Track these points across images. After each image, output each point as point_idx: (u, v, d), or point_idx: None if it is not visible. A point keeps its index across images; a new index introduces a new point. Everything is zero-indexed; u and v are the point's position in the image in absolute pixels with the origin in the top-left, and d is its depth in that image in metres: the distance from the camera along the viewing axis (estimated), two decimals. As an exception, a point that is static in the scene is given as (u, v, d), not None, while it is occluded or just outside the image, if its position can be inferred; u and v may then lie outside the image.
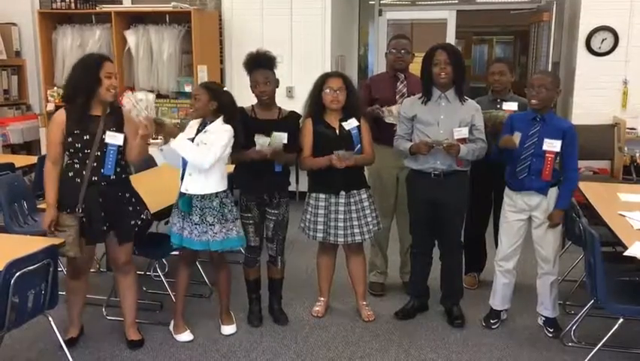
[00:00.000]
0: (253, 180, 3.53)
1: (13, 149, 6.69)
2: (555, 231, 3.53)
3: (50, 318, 3.01)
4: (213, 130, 3.32)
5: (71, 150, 3.15)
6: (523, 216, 3.55)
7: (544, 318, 3.68)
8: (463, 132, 3.53)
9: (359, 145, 3.58)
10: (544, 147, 3.39)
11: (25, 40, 7.01)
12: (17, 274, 2.60)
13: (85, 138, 3.12)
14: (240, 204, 3.60)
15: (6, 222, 4.05)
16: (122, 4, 6.80)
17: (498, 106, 3.99)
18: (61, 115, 3.15)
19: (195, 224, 3.34)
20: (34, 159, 5.27)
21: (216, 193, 3.34)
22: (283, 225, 3.66)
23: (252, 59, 3.54)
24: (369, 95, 4.07)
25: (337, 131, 3.57)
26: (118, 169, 3.21)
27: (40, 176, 5.07)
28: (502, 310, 3.77)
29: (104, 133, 3.15)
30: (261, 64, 3.51)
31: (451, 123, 3.52)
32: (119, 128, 3.21)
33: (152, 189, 3.76)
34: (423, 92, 3.61)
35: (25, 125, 6.81)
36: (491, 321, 3.74)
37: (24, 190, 4.32)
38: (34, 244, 2.91)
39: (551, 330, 3.61)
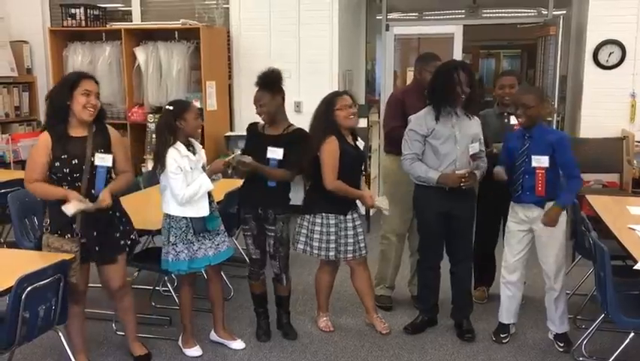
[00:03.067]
0: (247, 194, 3.64)
1: (24, 165, 6.73)
2: (556, 246, 3.50)
3: (60, 333, 3.02)
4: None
5: (59, 175, 3.03)
6: (523, 228, 3.55)
7: (554, 333, 3.66)
8: (476, 147, 3.60)
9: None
10: (533, 164, 3.41)
11: (36, 58, 7.11)
12: (28, 289, 2.62)
13: (73, 162, 3.03)
14: (239, 217, 3.69)
15: (17, 238, 4.08)
16: (131, 21, 6.89)
17: (505, 120, 3.99)
18: (45, 138, 3.03)
19: (217, 234, 3.46)
20: (44, 175, 5.29)
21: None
22: (284, 242, 3.63)
23: (257, 78, 3.56)
24: (401, 108, 3.95)
25: (355, 147, 3.66)
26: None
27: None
28: (510, 324, 3.75)
29: (92, 155, 3.06)
30: (261, 85, 3.53)
31: (465, 139, 3.55)
32: (107, 149, 3.13)
33: (152, 204, 3.76)
34: (434, 107, 3.56)
35: (36, 141, 6.83)
36: (501, 336, 3.71)
37: (35, 205, 4.33)
38: (45, 259, 2.92)
39: (562, 345, 3.58)
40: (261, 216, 3.59)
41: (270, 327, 3.80)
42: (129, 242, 3.29)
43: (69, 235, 3.05)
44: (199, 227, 3.35)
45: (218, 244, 3.45)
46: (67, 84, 3.05)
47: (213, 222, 3.42)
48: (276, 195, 3.56)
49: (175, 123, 3.27)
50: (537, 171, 3.40)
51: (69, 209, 2.96)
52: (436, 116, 3.55)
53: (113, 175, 3.21)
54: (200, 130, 3.42)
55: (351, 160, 3.61)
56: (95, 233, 3.11)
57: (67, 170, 3.02)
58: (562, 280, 3.55)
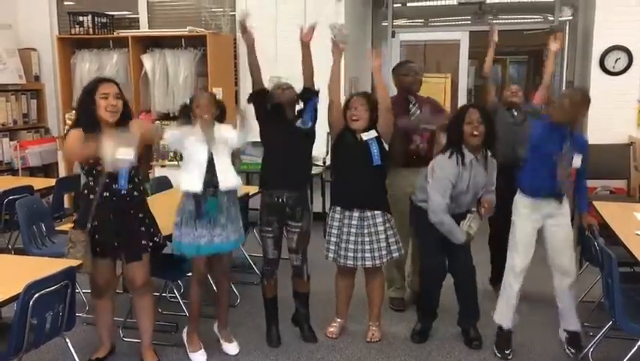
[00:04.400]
0: (276, 202, 3.57)
1: (32, 172, 6.79)
2: (571, 235, 3.56)
3: (67, 340, 3.02)
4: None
5: (86, 168, 3.20)
6: (538, 226, 3.55)
7: (567, 336, 3.61)
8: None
9: (377, 155, 3.57)
10: (573, 165, 3.44)
11: (44, 65, 7.15)
12: (36, 295, 2.62)
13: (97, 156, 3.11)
14: (261, 218, 3.63)
15: (24, 244, 4.10)
16: (138, 29, 6.93)
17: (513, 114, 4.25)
18: (79, 131, 3.14)
19: (222, 225, 3.37)
20: (52, 182, 5.33)
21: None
22: (307, 236, 3.67)
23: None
24: None
25: (358, 139, 3.60)
26: (131, 185, 3.22)
27: (58, 198, 5.16)
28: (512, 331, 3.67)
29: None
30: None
31: (474, 188, 3.57)
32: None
33: (168, 210, 3.78)
34: (455, 151, 3.50)
35: (44, 148, 6.91)
36: (505, 352, 3.58)
37: (42, 212, 4.37)
38: (53, 265, 2.93)
39: (574, 350, 3.53)
40: (287, 215, 3.59)
41: (280, 333, 3.80)
42: (151, 243, 3.35)
43: (77, 226, 3.17)
44: (198, 210, 3.32)
45: (214, 236, 3.35)
46: (87, 91, 3.19)
47: (212, 206, 3.32)
48: (301, 193, 3.66)
49: (189, 112, 3.43)
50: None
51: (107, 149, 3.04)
52: (462, 161, 3.49)
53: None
54: (205, 116, 3.35)
55: (347, 147, 3.64)
56: (115, 231, 3.20)
57: (92, 161, 3.13)
58: None
